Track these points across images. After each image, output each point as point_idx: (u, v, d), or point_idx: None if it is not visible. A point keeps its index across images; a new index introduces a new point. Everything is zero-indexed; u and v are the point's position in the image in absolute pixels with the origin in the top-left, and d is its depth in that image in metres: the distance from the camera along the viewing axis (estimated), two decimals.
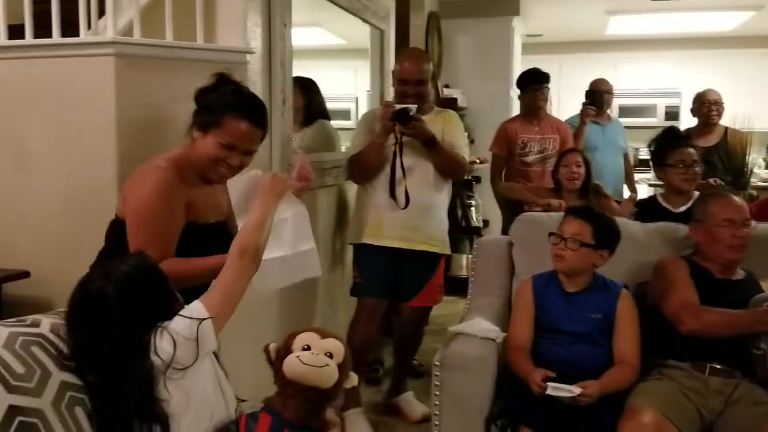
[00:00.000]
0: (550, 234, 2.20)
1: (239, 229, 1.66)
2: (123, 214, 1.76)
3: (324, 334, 1.50)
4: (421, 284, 2.99)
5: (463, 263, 5.07)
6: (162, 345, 1.35)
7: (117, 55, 2.01)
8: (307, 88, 3.41)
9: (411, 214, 2.87)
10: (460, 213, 5.41)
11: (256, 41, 2.54)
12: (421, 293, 3.00)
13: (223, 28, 2.44)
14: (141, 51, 2.09)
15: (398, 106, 2.74)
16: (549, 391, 1.89)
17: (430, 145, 2.83)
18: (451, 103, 5.58)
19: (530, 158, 3.84)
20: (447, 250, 3.07)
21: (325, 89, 3.60)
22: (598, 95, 4.16)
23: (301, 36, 5.87)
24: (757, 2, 5.78)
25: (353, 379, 1.52)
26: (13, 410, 1.23)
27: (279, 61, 2.70)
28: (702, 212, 2.24)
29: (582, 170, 3.27)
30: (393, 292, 2.99)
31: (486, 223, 5.81)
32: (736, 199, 2.26)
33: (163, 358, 1.35)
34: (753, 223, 2.21)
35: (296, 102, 3.23)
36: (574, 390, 1.87)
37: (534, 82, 3.88)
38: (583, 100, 4.14)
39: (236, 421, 1.44)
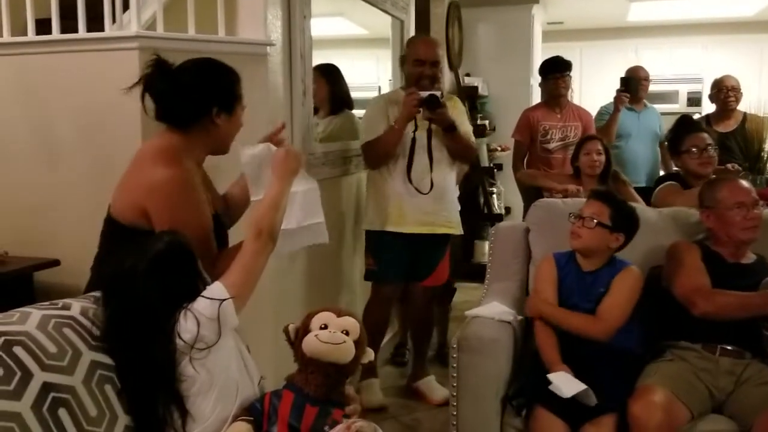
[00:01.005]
0: (570, 214, 2.25)
1: (252, 206, 1.69)
2: (122, 215, 1.69)
3: (340, 313, 1.57)
4: (435, 265, 3.09)
5: (486, 250, 5.10)
6: (186, 325, 1.42)
7: (141, 49, 2.08)
8: (331, 75, 3.43)
9: (431, 200, 2.94)
10: (482, 200, 5.44)
11: (276, 33, 2.59)
12: (433, 274, 3.10)
13: (243, 20, 2.50)
14: (164, 45, 2.14)
15: (426, 93, 2.78)
16: (555, 387, 1.93)
17: (451, 131, 2.88)
18: (472, 92, 5.61)
19: (552, 145, 3.87)
20: (461, 230, 3.14)
21: (348, 78, 3.63)
22: (632, 82, 4.13)
23: (324, 26, 5.93)
24: None
25: (369, 354, 1.59)
26: (47, 387, 1.29)
27: (299, 53, 2.75)
28: (711, 198, 2.26)
29: (602, 158, 3.28)
30: (409, 275, 3.08)
31: (508, 210, 5.84)
32: (743, 182, 2.28)
33: (188, 339, 1.41)
34: (762, 203, 2.24)
35: (321, 90, 3.30)
36: (570, 391, 1.89)
37: (556, 70, 3.90)
38: (617, 86, 4.10)
39: (261, 399, 1.51)
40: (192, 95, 1.70)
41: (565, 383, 1.93)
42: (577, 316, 2.15)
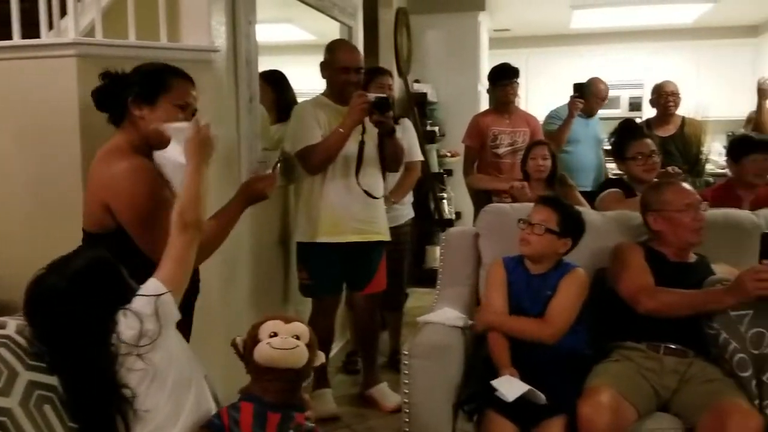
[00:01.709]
0: (520, 220, 2.28)
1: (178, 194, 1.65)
2: (90, 224, 1.76)
3: (287, 320, 1.58)
4: (373, 273, 3.06)
5: (437, 255, 5.11)
6: (128, 322, 1.42)
7: (79, 56, 2.02)
8: (276, 82, 3.40)
9: (365, 206, 2.93)
10: (432, 206, 5.47)
11: (220, 39, 2.56)
12: (373, 281, 3.07)
13: (187, 26, 2.46)
14: (104, 51, 2.10)
15: (376, 96, 2.76)
16: (496, 385, 1.96)
17: (391, 135, 2.88)
18: (421, 98, 5.65)
19: (501, 150, 3.92)
20: (389, 236, 3.11)
21: (298, 85, 3.60)
22: (586, 88, 4.23)
23: (271, 32, 5.86)
24: None
25: (321, 357, 1.62)
26: None
27: (244, 59, 2.72)
28: (658, 202, 2.30)
29: (548, 162, 3.37)
30: (347, 285, 3.08)
31: (459, 215, 5.88)
32: (686, 184, 2.35)
33: (131, 335, 1.41)
34: (704, 204, 2.30)
35: (267, 97, 3.24)
36: (513, 394, 1.91)
37: (504, 77, 3.96)
38: (560, 92, 4.20)
39: (218, 414, 1.50)
40: (109, 89, 1.77)
41: (508, 387, 1.94)
42: (525, 322, 2.18)
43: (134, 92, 1.74)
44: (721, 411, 1.84)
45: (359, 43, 4.34)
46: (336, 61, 2.94)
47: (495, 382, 1.98)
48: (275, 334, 1.53)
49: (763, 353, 1.94)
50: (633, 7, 6.40)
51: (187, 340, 1.89)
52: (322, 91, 3.06)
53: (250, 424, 1.48)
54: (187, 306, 1.88)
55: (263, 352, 1.51)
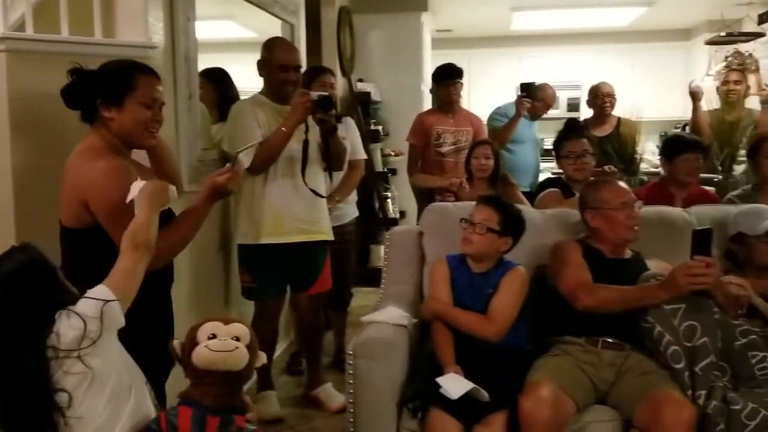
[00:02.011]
0: (462, 219, 2.30)
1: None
2: (70, 220, 1.81)
3: (226, 321, 1.56)
4: (318, 272, 3.04)
5: (382, 254, 5.11)
6: (71, 323, 1.39)
7: (8, 51, 1.95)
8: (218, 80, 3.34)
9: (309, 206, 2.90)
10: (377, 205, 5.48)
11: (158, 36, 2.50)
12: (318, 281, 3.05)
13: (122, 22, 2.40)
14: (34, 47, 2.03)
15: (318, 94, 2.73)
16: (441, 383, 1.97)
17: (333, 133, 2.86)
18: (365, 97, 5.64)
19: (444, 149, 3.96)
20: (332, 236, 3.08)
21: (241, 83, 3.54)
22: (533, 88, 4.29)
23: (212, 29, 5.75)
24: None
25: (262, 358, 1.60)
26: None
27: (183, 56, 2.66)
28: (595, 200, 2.36)
29: (491, 162, 3.41)
30: (291, 285, 3.04)
31: (403, 214, 5.90)
32: (622, 183, 2.42)
33: (73, 337, 1.38)
34: (639, 203, 2.37)
35: (208, 95, 3.19)
36: (457, 392, 1.93)
37: (448, 77, 3.99)
38: (499, 92, 4.24)
39: (156, 420, 1.47)
40: (77, 87, 1.79)
41: (453, 384, 1.96)
42: (470, 315, 2.21)
43: (102, 94, 1.78)
44: (655, 402, 1.90)
45: (302, 41, 4.31)
46: (274, 59, 2.89)
47: (440, 380, 1.99)
48: (214, 336, 1.50)
49: (695, 345, 2.00)
50: (571, 10, 6.57)
51: (171, 332, 1.93)
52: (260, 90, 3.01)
53: (188, 428, 1.45)
54: (164, 295, 1.96)
55: (201, 354, 1.48)
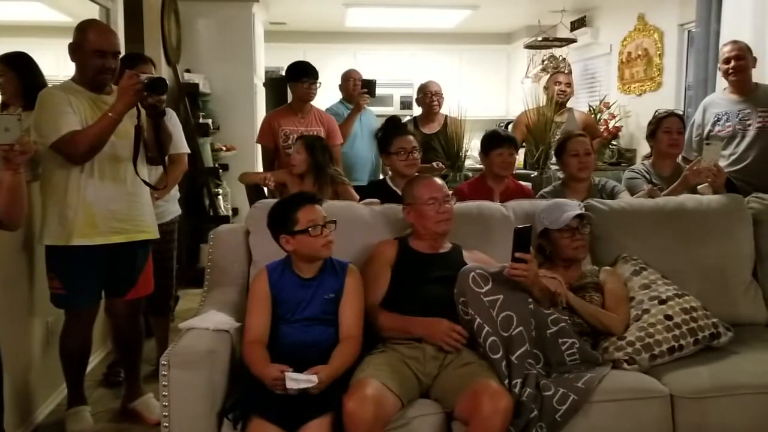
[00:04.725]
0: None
1: None
2: None
3: None
4: (137, 275, 2.82)
5: None
6: None
7: None
8: (21, 66, 3.03)
9: (128, 203, 2.70)
10: (207, 202, 5.26)
11: None
12: (137, 285, 2.83)
13: None
14: None
15: (149, 76, 2.51)
16: (289, 385, 1.89)
17: (161, 117, 2.66)
18: (192, 89, 5.39)
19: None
20: (157, 234, 2.88)
21: (51, 71, 3.21)
22: (372, 84, 4.32)
23: (16, 10, 5.22)
24: (473, 2, 6.41)
25: None
26: None
27: None
28: (410, 195, 2.43)
29: (300, 157, 3.34)
30: (106, 291, 2.80)
31: (236, 211, 5.72)
32: (437, 179, 2.47)
33: None
34: (453, 199, 2.45)
35: (10, 83, 2.94)
36: (313, 379, 1.89)
37: (307, 75, 3.94)
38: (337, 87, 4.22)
39: None
40: None
41: (300, 379, 1.89)
42: (338, 358, 2.05)
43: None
44: (474, 393, 1.94)
45: (119, 27, 4.02)
46: (88, 43, 2.60)
47: (291, 382, 1.89)
48: None
49: (511, 335, 2.08)
50: (402, 9, 6.73)
51: None
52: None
53: None
54: None
55: None
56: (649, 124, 3.32)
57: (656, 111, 3.39)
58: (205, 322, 2.16)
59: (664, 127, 3.22)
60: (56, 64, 4.26)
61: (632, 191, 3.14)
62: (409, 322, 2.19)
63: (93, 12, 3.88)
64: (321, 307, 2.17)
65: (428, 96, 4.43)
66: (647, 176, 3.24)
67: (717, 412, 2.14)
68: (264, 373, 1.96)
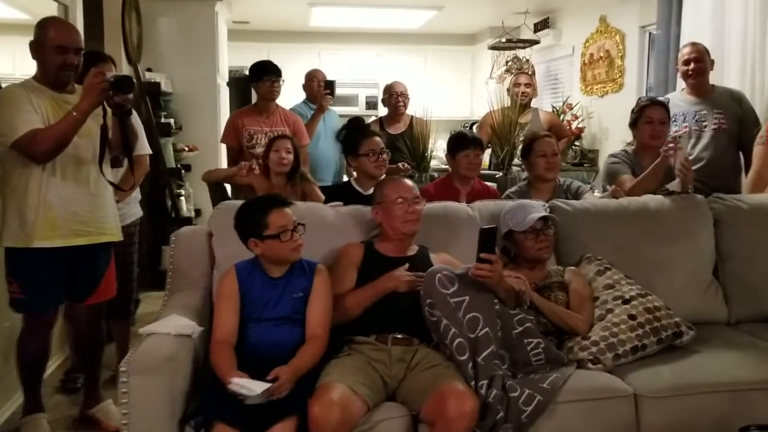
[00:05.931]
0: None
1: None
2: None
3: None
4: (99, 280, 2.75)
5: None
6: None
7: None
8: None
9: (91, 204, 2.63)
10: (169, 203, 5.17)
11: None
12: (99, 289, 2.75)
13: None
14: None
15: (115, 75, 2.45)
16: (231, 390, 1.86)
17: (128, 116, 2.60)
18: (154, 88, 5.29)
19: (258, 150, 3.80)
20: (121, 236, 2.83)
21: (8, 69, 3.10)
22: (332, 84, 4.33)
23: None
24: (438, 3, 6.42)
25: None
26: None
27: None
28: (380, 195, 2.43)
29: (291, 156, 3.30)
30: (67, 295, 2.71)
31: (198, 212, 5.64)
32: (407, 180, 2.47)
33: None
34: (423, 201, 2.44)
35: None
36: (256, 389, 1.84)
37: (271, 73, 3.91)
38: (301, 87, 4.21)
39: None
40: None
41: (249, 386, 1.85)
42: (301, 358, 2.03)
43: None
44: (440, 394, 1.92)
45: (79, 24, 3.92)
46: (49, 39, 2.52)
47: (234, 386, 1.86)
48: None
49: (477, 336, 2.07)
50: (366, 9, 6.71)
51: None
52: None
53: None
54: None
55: None
56: (632, 112, 3.24)
57: (639, 98, 3.35)
58: (166, 326, 2.12)
59: (646, 117, 3.12)
60: (12, 63, 4.15)
61: (614, 176, 3.11)
62: (370, 286, 2.23)
63: (51, 9, 3.78)
64: (290, 306, 2.14)
65: (394, 96, 4.42)
66: (628, 162, 3.16)
67: (679, 411, 2.16)
68: (226, 379, 1.92)
